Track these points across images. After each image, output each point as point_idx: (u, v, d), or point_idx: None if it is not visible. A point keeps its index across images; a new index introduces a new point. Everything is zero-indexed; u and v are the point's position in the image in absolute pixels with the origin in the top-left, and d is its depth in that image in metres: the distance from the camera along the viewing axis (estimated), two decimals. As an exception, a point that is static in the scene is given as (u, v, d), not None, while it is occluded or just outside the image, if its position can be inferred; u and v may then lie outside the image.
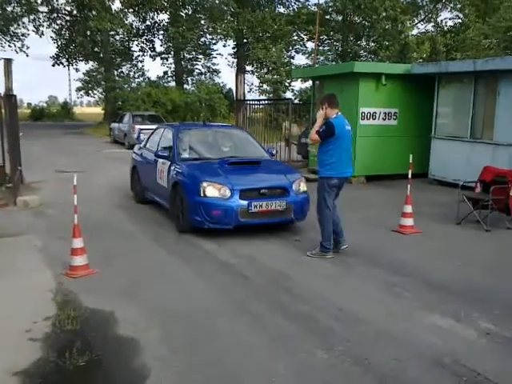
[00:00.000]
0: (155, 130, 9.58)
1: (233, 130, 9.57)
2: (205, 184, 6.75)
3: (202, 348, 3.82)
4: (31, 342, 3.90)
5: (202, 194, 6.72)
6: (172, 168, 7.59)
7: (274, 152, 9.07)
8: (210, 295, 4.93)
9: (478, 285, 5.25)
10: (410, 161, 7.36)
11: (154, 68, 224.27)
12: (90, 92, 43.90)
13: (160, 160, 8.05)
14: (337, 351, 3.72)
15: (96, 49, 36.34)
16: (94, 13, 31.03)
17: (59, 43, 37.20)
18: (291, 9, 37.08)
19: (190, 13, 34.52)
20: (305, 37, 38.06)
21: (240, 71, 34.54)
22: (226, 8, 32.39)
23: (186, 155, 7.83)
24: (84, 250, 5.48)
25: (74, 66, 39.71)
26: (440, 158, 11.44)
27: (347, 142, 6.08)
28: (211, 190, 6.72)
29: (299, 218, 7.13)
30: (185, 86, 37.17)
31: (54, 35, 36.60)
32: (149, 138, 9.48)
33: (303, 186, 7.24)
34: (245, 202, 6.66)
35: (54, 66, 38.08)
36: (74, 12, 35.48)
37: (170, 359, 3.64)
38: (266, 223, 6.97)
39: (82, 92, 43.94)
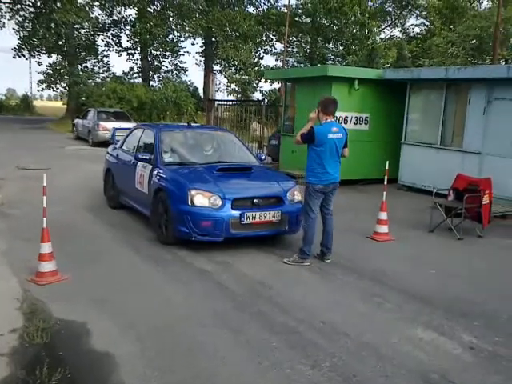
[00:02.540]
0: (133, 129, 8.90)
1: (219, 132, 9.05)
2: (193, 192, 6.19)
3: (181, 363, 3.64)
4: (-3, 358, 3.63)
5: (189, 203, 6.15)
6: (154, 173, 6.97)
7: (263, 157, 8.65)
8: (188, 305, 4.74)
9: (455, 294, 5.25)
10: (387, 167, 7.34)
11: (120, 63, 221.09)
12: (52, 86, 42.68)
13: (140, 163, 7.42)
14: (324, 367, 3.60)
15: (60, 42, 35.30)
16: (58, 5, 30.12)
17: (21, 35, 35.97)
18: (260, 9, 37.06)
19: (158, 9, 34.01)
20: (273, 37, 38.10)
21: (208, 70, 34.28)
22: (195, 6, 32.03)
23: (169, 159, 7.28)
24: (52, 255, 5.19)
25: (37, 59, 38.55)
26: (410, 164, 11.50)
27: (330, 150, 5.89)
28: (200, 199, 6.17)
29: (294, 229, 6.58)
30: (151, 83, 36.61)
31: (16, 27, 35.44)
32: (126, 139, 8.75)
33: (298, 195, 6.72)
34: (237, 213, 6.13)
35: (15, 57, 36.75)
36: (38, 4, 34.41)
37: (149, 376, 3.45)
38: (258, 235, 6.48)
39: (43, 85, 42.68)
